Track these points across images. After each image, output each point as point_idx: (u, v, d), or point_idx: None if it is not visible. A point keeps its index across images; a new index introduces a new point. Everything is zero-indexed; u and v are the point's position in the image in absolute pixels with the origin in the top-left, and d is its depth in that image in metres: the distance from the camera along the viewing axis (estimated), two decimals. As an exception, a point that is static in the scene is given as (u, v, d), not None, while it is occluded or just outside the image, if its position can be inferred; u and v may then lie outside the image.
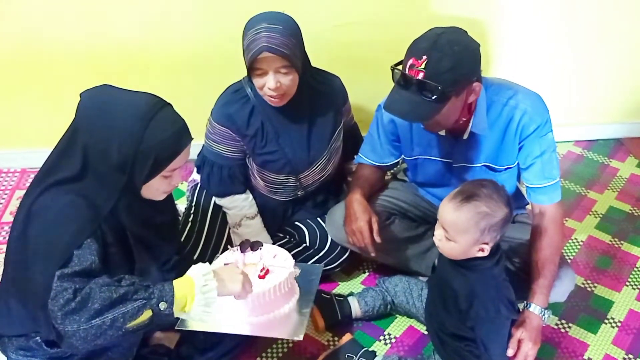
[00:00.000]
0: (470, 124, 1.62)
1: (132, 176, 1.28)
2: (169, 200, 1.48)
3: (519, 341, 1.55)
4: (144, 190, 1.34)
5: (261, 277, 1.57)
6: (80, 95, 1.30)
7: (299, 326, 1.56)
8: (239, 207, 1.91)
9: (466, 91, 1.50)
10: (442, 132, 1.68)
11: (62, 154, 1.32)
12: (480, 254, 1.46)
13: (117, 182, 1.29)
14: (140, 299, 1.23)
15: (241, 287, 1.39)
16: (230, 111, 1.78)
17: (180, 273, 1.61)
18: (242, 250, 1.64)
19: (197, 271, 1.33)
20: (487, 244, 1.44)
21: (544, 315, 1.59)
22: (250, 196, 1.94)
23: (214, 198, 1.95)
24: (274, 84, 1.63)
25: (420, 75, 1.42)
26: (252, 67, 1.63)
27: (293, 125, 1.81)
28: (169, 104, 1.33)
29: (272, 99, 1.69)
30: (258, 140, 1.81)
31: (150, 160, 1.26)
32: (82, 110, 1.29)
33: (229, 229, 1.95)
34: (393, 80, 1.51)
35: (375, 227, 1.75)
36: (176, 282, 1.30)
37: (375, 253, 1.79)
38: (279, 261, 1.63)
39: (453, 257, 1.49)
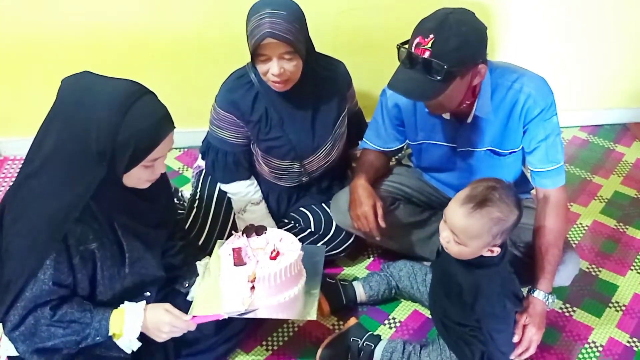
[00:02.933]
0: (474, 108, 1.62)
1: (113, 166, 1.25)
2: (160, 185, 1.46)
3: (524, 327, 1.56)
4: (125, 180, 1.31)
5: (272, 258, 1.57)
6: (61, 82, 1.27)
7: (310, 306, 1.58)
8: (244, 192, 1.92)
9: (471, 73, 1.49)
10: (447, 116, 1.67)
11: (39, 143, 1.28)
12: (489, 254, 1.45)
13: (97, 173, 1.24)
14: (78, 338, 1.33)
15: (161, 339, 1.42)
16: (234, 97, 1.78)
17: (186, 258, 1.64)
18: (248, 236, 1.64)
19: (128, 314, 1.38)
20: (497, 245, 1.44)
21: (547, 300, 1.59)
22: (255, 182, 1.94)
23: (218, 184, 1.95)
24: (278, 70, 1.63)
25: (426, 54, 1.41)
26: (256, 53, 1.63)
27: (297, 111, 1.81)
28: (150, 92, 1.30)
29: (276, 85, 1.69)
30: (262, 126, 1.81)
31: (129, 151, 1.23)
32: (60, 98, 1.25)
33: (234, 214, 1.95)
34: (399, 59, 1.49)
35: (380, 212, 1.75)
36: (111, 319, 1.36)
37: (380, 237, 1.79)
38: (286, 244, 1.63)
39: (461, 258, 1.48)
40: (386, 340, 1.71)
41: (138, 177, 1.31)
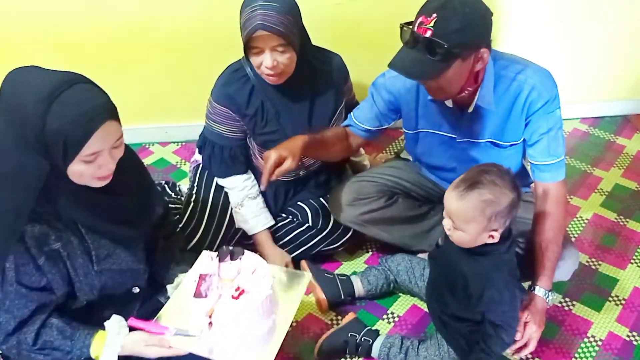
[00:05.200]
0: (476, 97, 1.60)
1: (52, 160, 1.17)
2: (130, 179, 1.36)
3: (524, 324, 1.56)
4: (71, 176, 1.21)
5: (235, 297, 1.39)
6: (7, 73, 1.20)
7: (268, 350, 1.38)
8: (241, 187, 1.90)
9: (473, 57, 1.47)
10: (449, 104, 1.65)
11: None
12: (491, 241, 1.45)
13: (40, 168, 1.16)
14: None
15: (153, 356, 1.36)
16: (229, 91, 1.76)
17: (165, 257, 1.57)
18: (220, 260, 1.47)
19: (107, 346, 1.33)
20: (496, 230, 1.43)
21: (547, 297, 1.58)
22: (252, 176, 1.93)
23: (215, 179, 1.94)
24: (271, 62, 1.61)
25: (428, 33, 1.39)
26: (248, 46, 1.61)
27: (294, 104, 1.80)
28: (87, 82, 1.20)
29: (270, 78, 1.67)
30: (258, 120, 1.79)
31: (60, 143, 1.14)
32: (2, 89, 1.19)
33: (231, 209, 1.94)
34: (401, 40, 1.48)
35: (282, 167, 1.63)
36: (92, 347, 1.32)
37: (264, 186, 1.67)
38: (257, 278, 1.44)
39: (463, 245, 1.47)
40: (384, 336, 1.70)
41: (80, 174, 1.21)
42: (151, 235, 1.53)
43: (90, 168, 1.20)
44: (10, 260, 1.22)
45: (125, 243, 1.40)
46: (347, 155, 2.00)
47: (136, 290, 1.46)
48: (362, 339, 1.69)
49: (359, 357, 1.72)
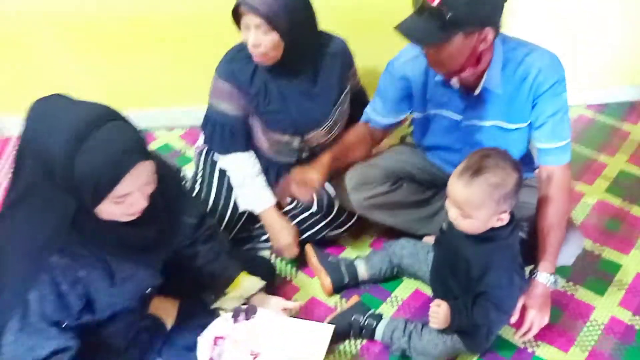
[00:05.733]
0: (484, 79, 1.61)
1: (80, 199, 1.14)
2: (155, 209, 1.29)
3: (524, 308, 1.57)
4: (100, 215, 1.19)
5: None
6: (30, 106, 1.17)
7: None
8: (241, 165, 1.90)
9: (477, 35, 1.47)
10: (455, 85, 1.64)
11: (16, 169, 1.19)
12: (499, 223, 1.46)
13: (68, 205, 1.15)
14: None
15: None
16: (233, 68, 1.78)
17: (209, 261, 1.58)
18: (235, 319, 1.51)
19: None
20: (505, 212, 1.44)
21: (549, 281, 1.59)
22: (254, 155, 1.93)
23: (218, 165, 1.95)
24: (252, 40, 1.64)
25: (436, 2, 1.40)
26: (237, 22, 1.64)
27: (297, 86, 1.80)
28: (117, 119, 1.14)
29: (255, 57, 1.70)
30: (261, 99, 1.80)
31: (90, 186, 1.11)
32: (26, 125, 1.16)
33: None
34: (413, 7, 1.49)
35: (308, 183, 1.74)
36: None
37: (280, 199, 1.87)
38: (272, 339, 1.46)
39: (473, 232, 1.48)
40: (388, 319, 1.72)
41: (110, 213, 1.19)
42: (186, 247, 1.54)
43: (119, 208, 1.18)
44: (35, 293, 1.20)
45: (146, 264, 1.40)
46: (371, 151, 1.99)
47: (147, 290, 1.48)
48: (366, 322, 1.71)
49: (362, 340, 1.74)
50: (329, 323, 1.71)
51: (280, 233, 1.88)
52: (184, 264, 1.56)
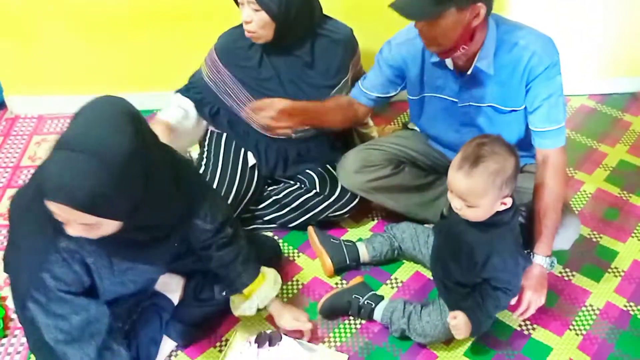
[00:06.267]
0: (475, 59, 1.62)
1: None
2: (162, 224, 1.33)
3: (522, 289, 1.60)
4: None
5: None
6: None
7: None
8: (183, 106, 1.96)
9: (470, 10, 1.48)
10: (450, 65, 1.67)
11: None
12: (503, 207, 1.47)
13: None
14: None
15: None
16: (230, 40, 1.86)
17: (224, 269, 1.59)
18: (259, 345, 1.57)
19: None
20: (507, 196, 1.46)
21: (545, 263, 1.62)
22: (195, 111, 1.97)
23: (224, 143, 1.99)
24: (246, 16, 1.70)
25: None
26: None
27: (291, 68, 1.85)
28: (67, 150, 1.07)
29: (246, 33, 1.76)
30: (255, 74, 1.86)
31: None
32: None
33: (240, 174, 1.96)
34: None
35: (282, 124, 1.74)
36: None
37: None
38: None
39: (479, 220, 1.49)
40: (387, 300, 1.75)
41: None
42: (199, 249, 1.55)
43: (71, 230, 1.17)
44: (48, 272, 1.25)
45: (146, 260, 1.42)
46: (349, 124, 2.03)
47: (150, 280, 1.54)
48: (366, 302, 1.74)
49: (361, 320, 1.78)
50: (328, 298, 1.75)
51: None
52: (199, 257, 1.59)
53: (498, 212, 1.49)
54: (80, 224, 1.14)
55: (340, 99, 1.91)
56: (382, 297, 1.77)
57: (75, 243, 1.26)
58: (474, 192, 1.43)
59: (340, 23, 1.89)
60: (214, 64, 1.90)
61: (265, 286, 1.63)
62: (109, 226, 1.17)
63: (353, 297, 1.75)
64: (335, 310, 1.76)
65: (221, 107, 1.97)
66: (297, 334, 1.68)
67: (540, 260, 1.62)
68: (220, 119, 2.00)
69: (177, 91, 1.99)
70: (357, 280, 1.83)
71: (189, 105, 1.97)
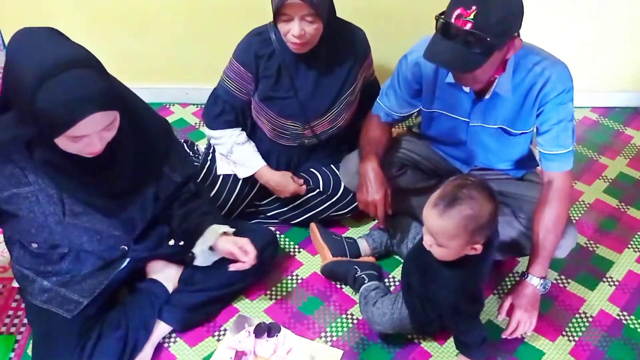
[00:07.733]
0: (495, 84, 1.61)
1: (40, 130, 1.20)
2: (128, 154, 1.37)
3: (512, 307, 1.61)
4: (59, 145, 1.23)
5: None
6: (20, 30, 1.21)
7: None
8: (229, 134, 1.94)
9: (507, 46, 1.48)
10: (466, 89, 1.66)
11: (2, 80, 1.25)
12: (473, 252, 1.43)
13: (27, 130, 1.22)
14: None
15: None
16: (250, 50, 1.82)
17: (187, 221, 1.62)
18: (257, 336, 1.56)
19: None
20: (478, 243, 1.42)
21: (540, 285, 1.62)
22: (240, 128, 1.98)
23: (207, 138, 2.03)
24: (298, 31, 1.65)
25: (468, 26, 1.37)
26: (279, 12, 1.65)
27: (309, 74, 1.84)
28: (84, 67, 1.16)
29: (295, 46, 1.72)
30: (272, 83, 1.85)
31: (46, 122, 1.16)
32: (8, 46, 1.20)
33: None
34: (437, 30, 1.46)
35: (388, 200, 1.79)
36: None
37: (384, 225, 1.87)
38: (293, 357, 1.54)
39: (447, 259, 1.46)
40: (375, 282, 1.79)
41: (66, 147, 1.23)
42: (162, 203, 1.58)
43: (75, 146, 1.23)
44: None
45: (107, 210, 1.43)
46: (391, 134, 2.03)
47: (125, 261, 1.57)
48: (361, 275, 1.79)
49: (354, 291, 1.86)
50: (333, 261, 1.85)
51: (282, 182, 1.96)
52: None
53: (467, 255, 1.45)
54: (101, 131, 1.22)
55: (378, 125, 1.90)
56: (379, 279, 1.81)
57: (17, 168, 1.29)
58: (445, 233, 1.39)
59: (353, 25, 1.91)
60: (239, 74, 1.86)
61: (212, 227, 1.62)
62: (117, 122, 1.25)
63: (354, 267, 1.81)
64: (334, 273, 1.85)
65: (240, 114, 1.98)
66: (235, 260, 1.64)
67: (534, 281, 1.62)
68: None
69: (213, 128, 1.95)
70: (370, 258, 1.91)
71: (236, 132, 1.97)
